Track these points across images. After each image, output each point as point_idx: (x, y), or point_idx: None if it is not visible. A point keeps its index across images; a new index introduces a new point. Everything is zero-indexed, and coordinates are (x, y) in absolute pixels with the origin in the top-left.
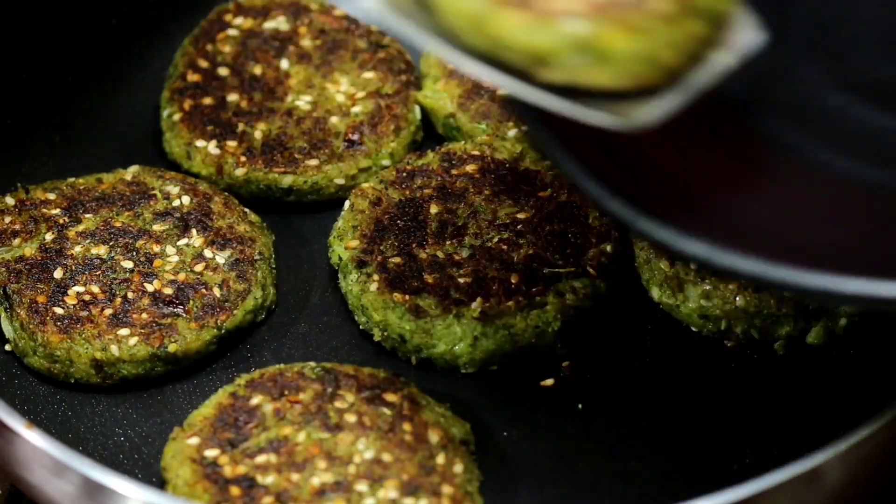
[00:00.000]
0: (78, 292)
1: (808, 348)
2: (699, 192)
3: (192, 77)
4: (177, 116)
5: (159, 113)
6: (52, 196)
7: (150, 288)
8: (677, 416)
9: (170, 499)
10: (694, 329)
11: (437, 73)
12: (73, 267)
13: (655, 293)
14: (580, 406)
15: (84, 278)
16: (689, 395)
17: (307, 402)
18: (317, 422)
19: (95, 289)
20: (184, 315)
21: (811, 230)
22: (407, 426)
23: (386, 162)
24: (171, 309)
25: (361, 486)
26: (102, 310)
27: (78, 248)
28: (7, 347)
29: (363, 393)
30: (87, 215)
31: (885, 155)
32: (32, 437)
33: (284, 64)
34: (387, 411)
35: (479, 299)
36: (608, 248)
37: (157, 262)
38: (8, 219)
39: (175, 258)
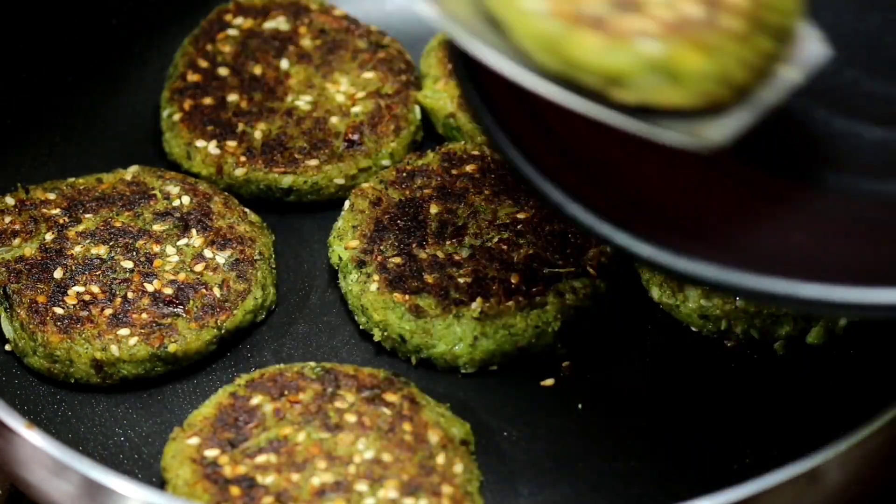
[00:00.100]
0: (78, 292)
1: (808, 348)
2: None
3: (192, 77)
4: (177, 116)
5: (159, 113)
6: (52, 196)
7: (150, 288)
8: (677, 416)
9: (170, 499)
10: (694, 329)
11: (437, 73)
12: (73, 267)
13: (655, 293)
14: (580, 406)
15: (84, 278)
16: (689, 395)
17: (307, 402)
18: (317, 422)
19: (95, 289)
20: (184, 315)
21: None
22: (407, 426)
23: (386, 162)
24: (171, 309)
25: (361, 486)
26: (102, 310)
27: (78, 248)
28: (7, 347)
29: (363, 393)
30: (87, 215)
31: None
32: (32, 437)
33: (284, 64)
34: (387, 411)
35: (479, 299)
36: (608, 247)
37: (157, 262)
38: (8, 219)
39: (175, 258)
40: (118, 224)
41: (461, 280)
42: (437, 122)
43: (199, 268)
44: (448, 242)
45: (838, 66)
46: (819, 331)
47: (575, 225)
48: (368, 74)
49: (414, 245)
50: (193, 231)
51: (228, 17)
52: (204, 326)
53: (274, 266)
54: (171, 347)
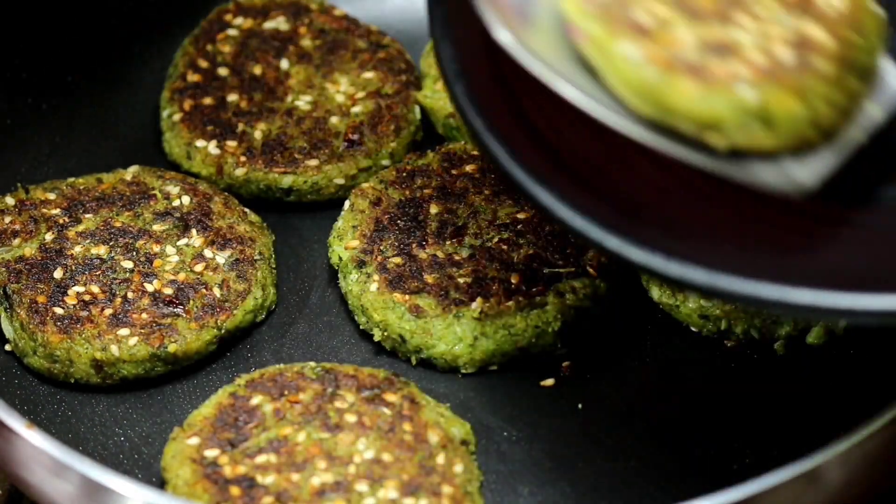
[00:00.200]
0: (78, 292)
1: (808, 348)
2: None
3: (192, 77)
4: (177, 116)
5: (159, 113)
6: (52, 196)
7: (150, 288)
8: (677, 416)
9: (170, 499)
10: (694, 329)
11: (437, 73)
12: (73, 267)
13: (655, 293)
14: (580, 406)
15: (84, 278)
16: (689, 395)
17: (307, 402)
18: (317, 422)
19: (95, 289)
20: (184, 315)
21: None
22: (407, 426)
23: (386, 162)
24: (171, 309)
25: (361, 486)
26: (102, 310)
27: (78, 248)
28: (7, 347)
29: (363, 393)
30: (87, 215)
31: None
32: (32, 437)
33: (284, 64)
34: (387, 411)
35: (479, 299)
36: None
37: (157, 262)
38: (8, 219)
39: (175, 258)
40: (118, 224)
41: (461, 280)
42: (437, 122)
43: (199, 268)
44: (448, 242)
45: None
46: (819, 331)
47: (566, 229)
48: (368, 74)
49: (414, 245)
50: (193, 231)
51: (228, 17)
52: (204, 326)
53: (274, 266)
54: (171, 347)
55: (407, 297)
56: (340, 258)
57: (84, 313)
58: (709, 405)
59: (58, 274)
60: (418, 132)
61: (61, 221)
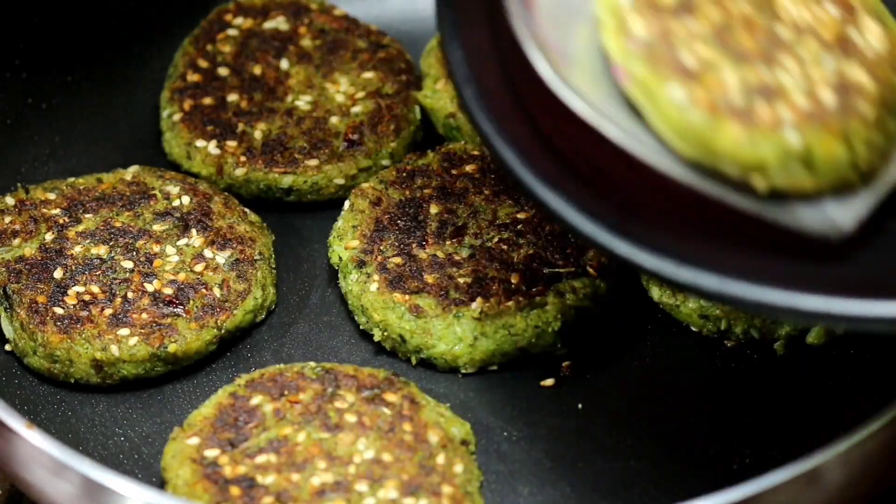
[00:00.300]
0: (78, 292)
1: (808, 348)
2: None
3: (192, 77)
4: (177, 116)
5: (159, 113)
6: (52, 196)
7: (150, 288)
8: (677, 416)
9: (170, 499)
10: (694, 329)
11: (437, 73)
12: (73, 267)
13: (655, 293)
14: (580, 406)
15: (84, 278)
16: (689, 395)
17: (307, 402)
18: (317, 422)
19: (95, 289)
20: (184, 315)
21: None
22: (407, 426)
23: (386, 162)
24: (171, 309)
25: (361, 486)
26: (102, 310)
27: (78, 248)
28: (7, 347)
29: (363, 393)
30: (87, 215)
31: None
32: (32, 437)
33: (284, 64)
34: (387, 411)
35: (479, 299)
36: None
37: (157, 262)
38: (8, 219)
39: (175, 258)
40: (118, 224)
41: (461, 280)
42: (437, 122)
43: (199, 268)
44: (448, 242)
45: None
46: (819, 331)
47: (575, 234)
48: (368, 74)
49: (414, 245)
50: (193, 231)
51: (228, 17)
52: (204, 326)
53: (274, 266)
54: (171, 347)
55: (407, 297)
56: (340, 258)
57: (84, 313)
58: (709, 405)
59: (58, 274)
60: (418, 132)
61: (61, 221)
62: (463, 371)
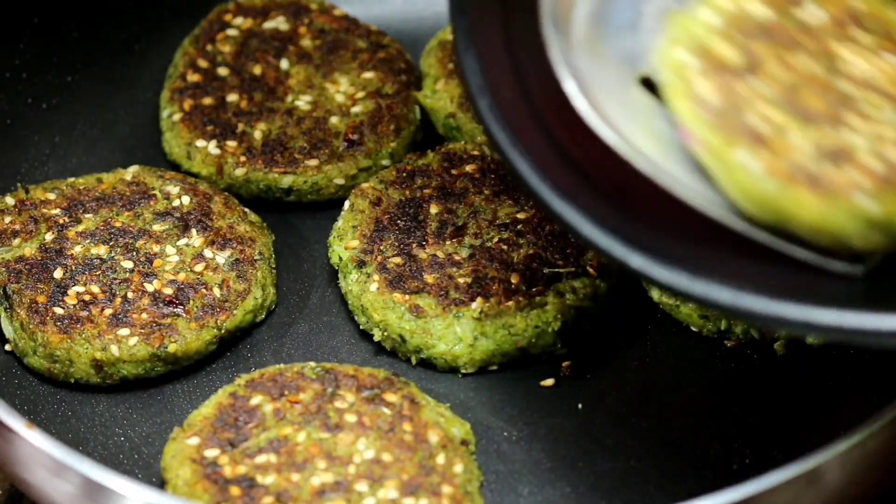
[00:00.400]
0: (78, 292)
1: (808, 348)
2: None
3: (192, 77)
4: (177, 116)
5: (159, 113)
6: (52, 196)
7: (150, 288)
8: (677, 416)
9: (170, 499)
10: (694, 329)
11: (437, 73)
12: (73, 267)
13: (655, 293)
14: (580, 406)
15: (84, 278)
16: (689, 395)
17: (307, 402)
18: (317, 422)
19: (95, 289)
20: (184, 315)
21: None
22: (407, 426)
23: (386, 162)
24: (171, 309)
25: (361, 486)
26: (102, 310)
27: (78, 248)
28: (7, 347)
29: (363, 393)
30: (87, 215)
31: None
32: (32, 437)
33: (284, 64)
34: (387, 411)
35: (479, 299)
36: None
37: (157, 262)
38: (8, 219)
39: (175, 258)
40: (118, 224)
41: (461, 280)
42: (437, 122)
43: (199, 268)
44: (448, 242)
45: None
46: None
47: (588, 245)
48: (368, 74)
49: (414, 245)
50: (193, 231)
51: (228, 17)
52: (204, 326)
53: (274, 266)
54: (171, 347)
55: (407, 297)
56: (340, 258)
57: (84, 313)
58: (709, 405)
59: (58, 274)
60: (418, 132)
61: (61, 221)
62: (463, 371)
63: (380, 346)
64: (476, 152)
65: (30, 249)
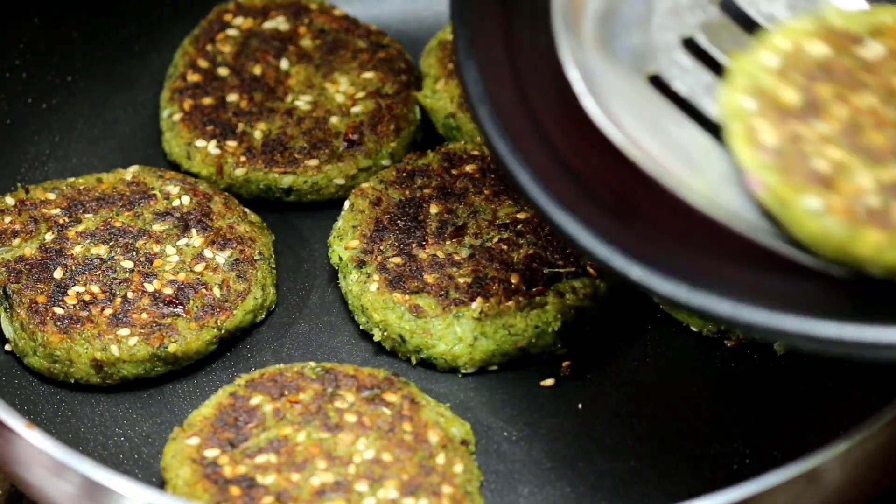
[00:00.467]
0: (78, 292)
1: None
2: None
3: (192, 77)
4: (177, 116)
5: (159, 113)
6: (52, 196)
7: (150, 288)
8: (677, 416)
9: (170, 499)
10: (694, 329)
11: (437, 73)
12: (73, 267)
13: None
14: (580, 406)
15: (84, 278)
16: (689, 395)
17: (307, 402)
18: (317, 422)
19: (95, 289)
20: (184, 315)
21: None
22: (407, 426)
23: (386, 162)
24: (171, 309)
25: (361, 486)
26: (102, 310)
27: (78, 248)
28: (7, 347)
29: (363, 393)
30: (87, 215)
31: None
32: (32, 437)
33: (284, 64)
34: (387, 411)
35: (479, 299)
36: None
37: (157, 262)
38: (8, 219)
39: (175, 258)
40: (118, 224)
41: (461, 280)
42: (437, 122)
43: (199, 268)
44: (448, 242)
45: None
46: None
47: (588, 257)
48: (368, 74)
49: (414, 245)
50: (193, 231)
51: (228, 17)
52: (204, 326)
53: (274, 266)
54: (171, 347)
55: (407, 297)
56: (340, 258)
57: (84, 313)
58: (709, 405)
59: (58, 274)
60: (418, 132)
61: (61, 221)
62: (463, 371)
63: (380, 346)
64: (476, 152)
65: (30, 249)
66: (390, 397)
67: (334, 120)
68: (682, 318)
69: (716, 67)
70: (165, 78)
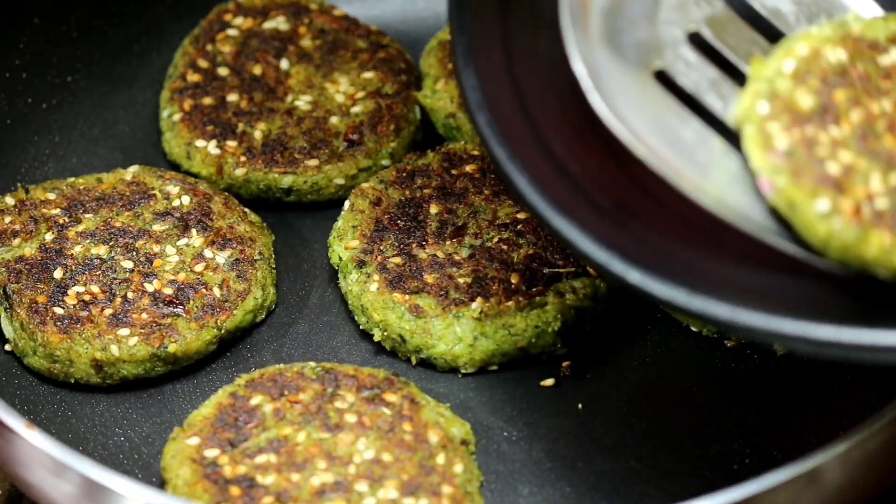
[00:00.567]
0: (78, 292)
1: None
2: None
3: (192, 77)
4: (177, 116)
5: (159, 113)
6: (52, 196)
7: (150, 288)
8: (677, 416)
9: (170, 499)
10: (694, 329)
11: (437, 73)
12: (73, 267)
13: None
14: (580, 406)
15: (84, 278)
16: (690, 396)
17: (307, 402)
18: (317, 422)
19: (95, 289)
20: (184, 315)
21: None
22: (407, 426)
23: (386, 162)
24: (171, 309)
25: (361, 486)
26: (102, 310)
27: (78, 248)
28: (7, 347)
29: (363, 393)
30: (87, 215)
31: None
32: (32, 437)
33: (284, 64)
34: (387, 411)
35: (479, 299)
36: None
37: (157, 262)
38: (8, 219)
39: (175, 258)
40: (118, 224)
41: (461, 280)
42: (437, 122)
43: (199, 268)
44: (448, 242)
45: None
46: None
47: (586, 261)
48: (368, 74)
49: (414, 245)
50: (193, 231)
51: (228, 17)
52: (204, 326)
53: (274, 266)
54: (171, 347)
55: (407, 297)
56: (340, 258)
57: (84, 313)
58: (709, 405)
59: (58, 274)
60: (418, 132)
61: (61, 221)
62: (463, 371)
63: (380, 346)
64: (476, 152)
65: (30, 249)
66: (390, 397)
67: (334, 120)
68: (682, 318)
69: (721, 62)
70: (165, 78)
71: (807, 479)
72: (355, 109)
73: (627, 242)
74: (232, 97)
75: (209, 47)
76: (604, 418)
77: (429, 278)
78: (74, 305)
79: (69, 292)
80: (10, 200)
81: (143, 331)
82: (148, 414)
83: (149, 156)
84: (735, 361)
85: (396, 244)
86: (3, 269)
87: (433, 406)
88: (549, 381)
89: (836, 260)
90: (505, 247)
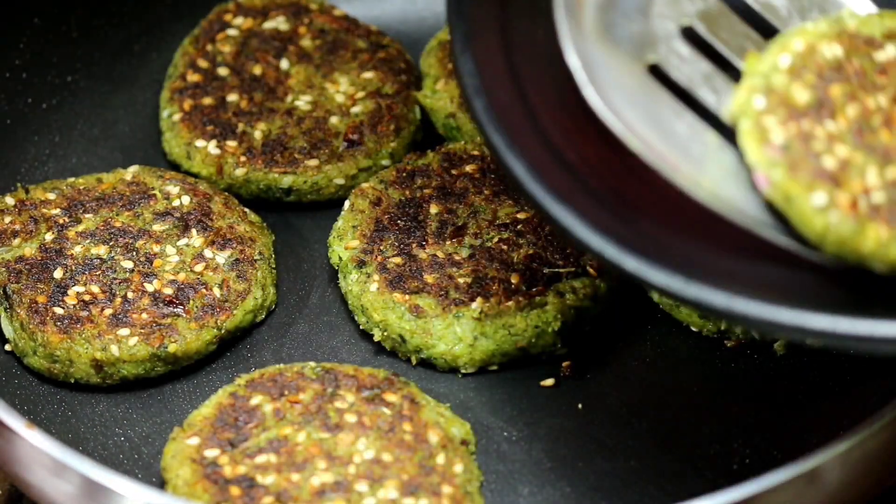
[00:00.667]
0: (78, 292)
1: (809, 348)
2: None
3: (192, 77)
4: (177, 116)
5: (159, 113)
6: (52, 196)
7: (150, 288)
8: (677, 416)
9: (170, 499)
10: (694, 329)
11: (437, 73)
12: (73, 267)
13: (655, 293)
14: (580, 406)
15: (84, 278)
16: (690, 396)
17: (307, 402)
18: (317, 422)
19: (95, 289)
20: (184, 315)
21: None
22: (407, 426)
23: (386, 162)
24: (171, 309)
25: (361, 486)
26: (102, 310)
27: (78, 248)
28: (7, 347)
29: (363, 393)
30: (87, 215)
31: None
32: (32, 437)
33: (284, 64)
34: (387, 411)
35: (479, 299)
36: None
37: (157, 262)
38: (8, 219)
39: (175, 258)
40: (118, 224)
41: (461, 280)
42: (437, 122)
43: (199, 268)
44: (448, 242)
45: None
46: None
47: (583, 249)
48: (368, 74)
49: (414, 245)
50: (193, 231)
51: (228, 17)
52: (204, 326)
53: (274, 266)
54: (171, 347)
55: (407, 297)
56: (340, 258)
57: (84, 313)
58: (709, 405)
59: (58, 274)
60: (418, 132)
61: (61, 221)
62: (463, 371)
63: (380, 346)
64: (476, 152)
65: (30, 249)
66: (390, 397)
67: (334, 120)
68: (682, 317)
69: (714, 57)
70: (165, 78)
71: (807, 479)
72: (355, 109)
73: (625, 230)
74: (232, 97)
75: (209, 47)
76: (604, 418)
77: (429, 278)
78: (74, 305)
79: (69, 292)
80: (10, 200)
81: (143, 331)
82: (148, 414)
83: (149, 156)
84: (735, 361)
85: (396, 244)
86: (3, 269)
87: (433, 406)
88: (549, 381)
89: (833, 254)
90: (505, 247)
